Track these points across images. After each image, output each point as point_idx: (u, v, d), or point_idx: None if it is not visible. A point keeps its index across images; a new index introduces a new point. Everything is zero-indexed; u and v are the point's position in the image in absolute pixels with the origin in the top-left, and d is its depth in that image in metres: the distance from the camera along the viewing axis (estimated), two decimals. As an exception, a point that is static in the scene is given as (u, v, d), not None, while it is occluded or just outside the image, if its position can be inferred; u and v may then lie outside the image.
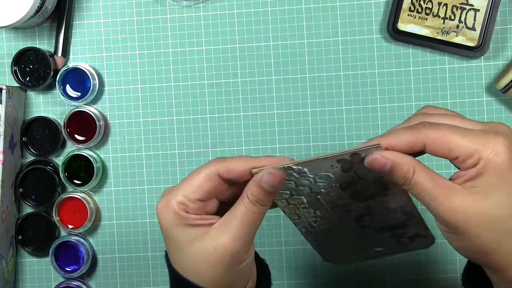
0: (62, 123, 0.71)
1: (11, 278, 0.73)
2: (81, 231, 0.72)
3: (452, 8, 0.67)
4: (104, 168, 0.72)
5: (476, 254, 0.43)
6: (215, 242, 0.45)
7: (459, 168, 0.43)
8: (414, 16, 0.68)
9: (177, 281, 0.47)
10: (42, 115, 0.72)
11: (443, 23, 0.68)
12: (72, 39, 0.72)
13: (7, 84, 0.71)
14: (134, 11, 0.72)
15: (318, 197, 0.47)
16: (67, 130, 0.71)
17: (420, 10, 0.68)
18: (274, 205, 0.48)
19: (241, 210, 0.45)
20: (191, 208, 0.45)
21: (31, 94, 0.73)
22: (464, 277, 0.50)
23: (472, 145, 0.41)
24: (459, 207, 0.41)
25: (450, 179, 0.43)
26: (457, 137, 0.42)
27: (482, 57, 0.68)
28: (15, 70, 0.71)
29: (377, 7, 0.70)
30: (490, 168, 0.41)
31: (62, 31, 0.71)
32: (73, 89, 0.72)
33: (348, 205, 0.48)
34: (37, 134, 0.72)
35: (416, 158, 0.43)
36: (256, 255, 0.50)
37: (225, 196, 0.48)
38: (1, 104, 0.68)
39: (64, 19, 0.71)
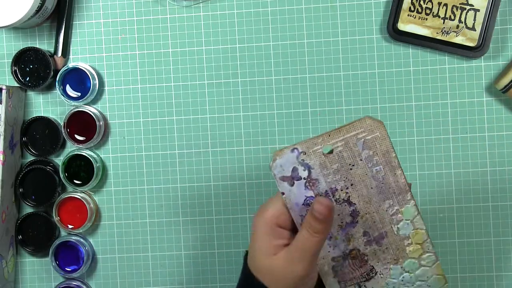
0: (62, 123, 0.71)
1: (11, 278, 0.73)
2: (81, 231, 0.72)
3: (452, 8, 0.67)
4: (104, 168, 0.72)
5: None
6: (289, 269, 0.49)
7: None
8: (414, 16, 0.68)
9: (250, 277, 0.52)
10: (42, 115, 0.72)
11: (443, 23, 0.68)
12: (72, 39, 0.72)
13: (7, 84, 0.71)
14: (134, 11, 0.72)
15: None
16: (67, 130, 0.71)
17: (420, 10, 0.68)
18: None
19: (308, 243, 0.49)
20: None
21: (31, 94, 0.73)
22: None
23: None
24: None
25: None
26: None
27: (482, 57, 0.68)
28: (15, 70, 0.71)
29: (377, 7, 0.70)
30: None
31: (62, 31, 0.71)
32: (73, 89, 0.72)
33: None
34: (37, 134, 0.72)
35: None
36: None
37: None
38: (1, 104, 0.68)
39: (64, 19, 0.71)
